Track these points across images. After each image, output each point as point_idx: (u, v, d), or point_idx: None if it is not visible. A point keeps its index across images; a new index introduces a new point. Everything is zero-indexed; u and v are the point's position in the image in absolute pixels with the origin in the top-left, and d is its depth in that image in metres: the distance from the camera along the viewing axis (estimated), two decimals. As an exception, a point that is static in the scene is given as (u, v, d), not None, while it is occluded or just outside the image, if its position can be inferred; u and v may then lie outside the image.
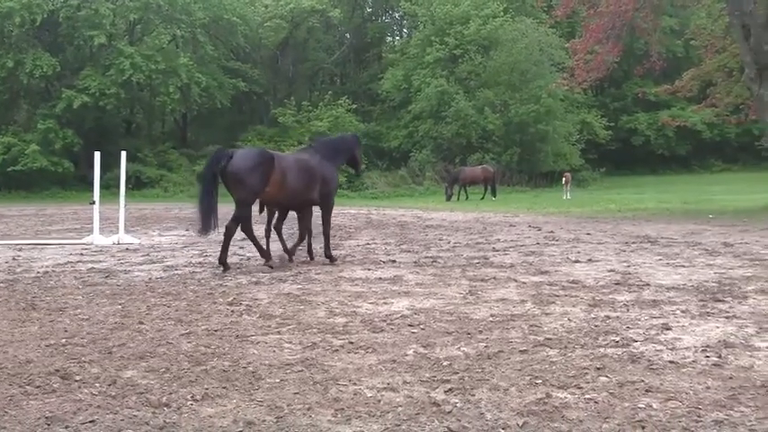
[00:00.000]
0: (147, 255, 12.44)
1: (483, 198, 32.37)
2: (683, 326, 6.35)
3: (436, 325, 6.55)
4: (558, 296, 7.89)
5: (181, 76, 41.25)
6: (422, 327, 6.48)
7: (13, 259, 11.93)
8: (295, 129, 45.32)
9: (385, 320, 6.76)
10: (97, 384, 4.87)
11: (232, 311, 7.31)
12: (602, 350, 5.55)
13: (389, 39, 60.29)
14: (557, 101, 44.26)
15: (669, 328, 6.22)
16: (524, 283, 8.89)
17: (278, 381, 4.90)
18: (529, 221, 19.38)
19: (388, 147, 46.53)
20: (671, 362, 5.17)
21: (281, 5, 47.29)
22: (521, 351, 5.57)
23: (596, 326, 6.40)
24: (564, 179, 33.99)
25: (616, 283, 8.68)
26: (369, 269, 10.29)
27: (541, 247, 13.02)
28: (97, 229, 14.75)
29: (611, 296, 7.84)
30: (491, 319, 6.79)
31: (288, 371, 5.13)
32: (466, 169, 34.74)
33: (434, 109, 44.24)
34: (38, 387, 4.82)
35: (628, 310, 7.05)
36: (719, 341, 5.76)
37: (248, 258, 11.77)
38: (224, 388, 4.76)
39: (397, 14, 57.63)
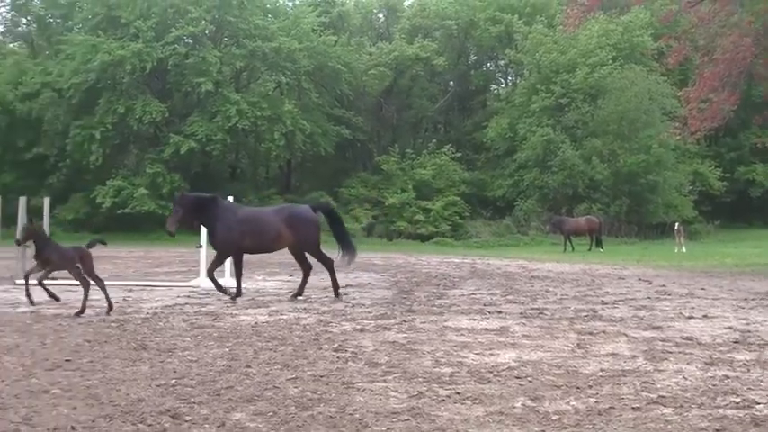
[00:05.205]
0: (253, 299, 12.61)
1: (590, 249, 31.66)
2: (809, 389, 6.00)
3: (544, 378, 6.42)
4: (671, 352, 7.60)
5: (285, 123, 41.93)
6: (529, 379, 6.36)
7: (124, 300, 12.28)
8: (398, 176, 45.58)
9: (492, 371, 6.67)
10: (206, 425, 4.97)
11: (338, 358, 7.34)
12: (721, 411, 5.30)
13: (494, 87, 60.25)
14: (668, 151, 43.10)
15: (795, 391, 5.89)
16: (635, 337, 8.61)
17: (385, 429, 4.88)
18: (638, 274, 18.80)
19: (493, 196, 46.21)
20: (798, 427, 4.88)
21: (386, 53, 47.92)
22: (633, 408, 5.39)
23: (714, 385, 6.12)
24: (675, 230, 32.92)
25: (734, 341, 8.31)
26: (474, 319, 10.18)
27: (653, 301, 12.59)
28: (203, 272, 15.05)
29: (729, 354, 7.49)
30: (601, 373, 6.61)
31: (394, 419, 5.11)
32: (570, 220, 34.13)
33: (540, 158, 43.78)
34: (150, 426, 4.96)
35: (748, 370, 6.72)
36: None
37: (353, 305, 11.83)
38: (330, 434, 4.77)
39: (501, 62, 57.62)
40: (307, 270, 13.22)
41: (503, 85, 59.76)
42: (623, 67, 44.62)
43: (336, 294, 12.84)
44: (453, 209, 43.57)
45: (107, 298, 10.51)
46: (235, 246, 12.85)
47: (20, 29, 50.28)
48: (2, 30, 51.30)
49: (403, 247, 35.32)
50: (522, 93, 48.06)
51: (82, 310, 10.26)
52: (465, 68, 56.12)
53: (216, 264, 12.94)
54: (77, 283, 10.67)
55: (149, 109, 40.01)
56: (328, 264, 13.05)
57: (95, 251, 10.84)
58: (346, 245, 13.35)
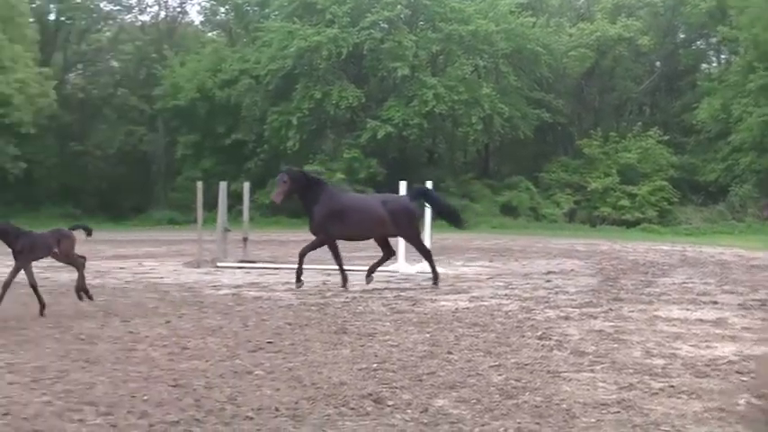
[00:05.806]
0: (452, 285, 12.54)
1: (814, 237, 29.14)
2: None
3: (770, 375, 5.93)
4: None
5: (483, 107, 41.51)
6: (753, 375, 5.90)
7: (324, 284, 12.67)
8: (601, 160, 44.14)
9: (709, 365, 6.27)
10: (409, 411, 5.00)
11: (542, 346, 7.19)
12: None
13: (704, 66, 56.81)
14: None
15: None
16: None
17: (594, 421, 4.71)
18: None
19: (704, 180, 43.69)
20: None
21: (587, 34, 46.38)
22: None
23: None
24: None
25: None
26: (687, 309, 9.64)
27: None
28: (402, 257, 15.11)
29: None
30: (839, 373, 6.01)
31: (604, 411, 4.92)
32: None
33: (758, 140, 40.82)
34: (352, 409, 5.06)
35: None
36: None
37: (556, 292, 11.56)
38: (537, 424, 4.67)
39: (713, 40, 54.19)
40: (388, 255, 13.08)
41: (714, 64, 56.24)
42: None
43: (435, 282, 12.44)
44: (661, 194, 41.71)
45: (82, 282, 9.67)
46: (326, 231, 12.54)
47: (218, 18, 53.23)
48: (201, 19, 54.89)
49: (607, 233, 34.22)
50: (736, 71, 44.98)
51: (80, 287, 9.59)
52: (672, 47, 53.32)
53: (311, 247, 12.67)
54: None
55: (345, 94, 40.75)
56: (427, 254, 12.83)
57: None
58: (451, 218, 13.74)
